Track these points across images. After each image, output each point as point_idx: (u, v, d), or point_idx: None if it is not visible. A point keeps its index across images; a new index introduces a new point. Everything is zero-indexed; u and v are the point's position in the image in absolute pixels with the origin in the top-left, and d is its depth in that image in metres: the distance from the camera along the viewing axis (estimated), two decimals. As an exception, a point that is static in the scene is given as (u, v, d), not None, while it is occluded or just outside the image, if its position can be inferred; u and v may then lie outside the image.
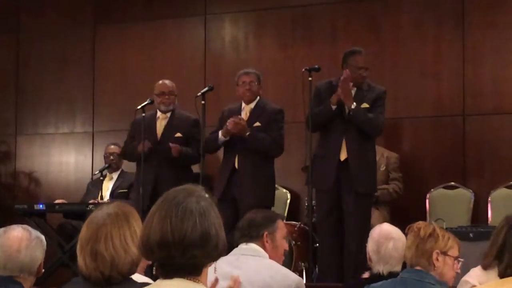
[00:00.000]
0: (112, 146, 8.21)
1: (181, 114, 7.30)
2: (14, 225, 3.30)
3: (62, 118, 9.49)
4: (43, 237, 3.30)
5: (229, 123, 6.56)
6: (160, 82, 7.36)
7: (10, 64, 9.74)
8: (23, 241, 3.20)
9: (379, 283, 3.70)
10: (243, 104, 6.82)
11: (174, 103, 7.30)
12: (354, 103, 6.34)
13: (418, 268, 3.59)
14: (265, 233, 4.08)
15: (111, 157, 8.11)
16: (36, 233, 3.28)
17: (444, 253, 3.60)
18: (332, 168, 6.39)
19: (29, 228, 3.30)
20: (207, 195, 2.30)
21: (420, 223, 3.66)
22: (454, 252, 3.65)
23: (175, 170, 6.98)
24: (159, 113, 7.31)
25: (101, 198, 7.76)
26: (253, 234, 4.06)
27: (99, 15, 9.43)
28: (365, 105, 6.42)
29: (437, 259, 3.58)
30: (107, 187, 8.02)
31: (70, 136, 9.46)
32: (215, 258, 2.27)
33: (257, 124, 6.68)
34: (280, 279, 3.89)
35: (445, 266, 3.62)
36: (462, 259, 3.70)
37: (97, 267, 2.70)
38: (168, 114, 7.29)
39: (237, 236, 4.10)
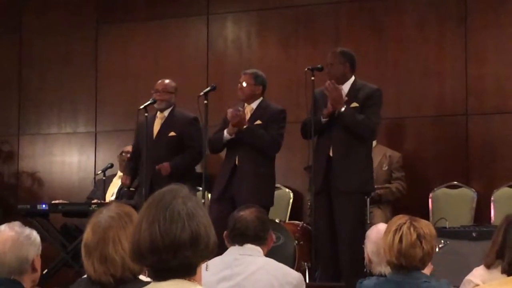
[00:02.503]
0: (130, 146, 8.21)
1: (180, 113, 7.17)
2: (3, 225, 3.18)
3: (64, 118, 9.50)
4: (33, 233, 3.18)
5: (228, 112, 6.53)
6: (160, 81, 7.30)
7: (12, 63, 9.75)
8: (7, 242, 3.10)
9: (372, 281, 3.67)
10: (245, 104, 6.81)
11: (168, 101, 7.13)
12: (345, 106, 6.30)
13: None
14: (272, 233, 4.03)
15: (129, 155, 8.10)
16: (24, 231, 3.16)
17: None
18: (322, 167, 6.35)
19: (18, 226, 3.18)
20: (192, 194, 2.29)
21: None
22: None
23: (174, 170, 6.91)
24: (158, 112, 7.24)
25: (104, 198, 7.77)
26: (265, 236, 3.97)
27: (102, 14, 9.44)
28: (354, 104, 6.37)
29: None
30: (117, 184, 8.02)
31: (73, 136, 9.46)
32: (207, 257, 2.26)
33: (258, 122, 6.66)
34: (280, 276, 3.85)
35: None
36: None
37: (107, 271, 2.71)
38: (166, 113, 7.17)
39: (248, 237, 3.94)
